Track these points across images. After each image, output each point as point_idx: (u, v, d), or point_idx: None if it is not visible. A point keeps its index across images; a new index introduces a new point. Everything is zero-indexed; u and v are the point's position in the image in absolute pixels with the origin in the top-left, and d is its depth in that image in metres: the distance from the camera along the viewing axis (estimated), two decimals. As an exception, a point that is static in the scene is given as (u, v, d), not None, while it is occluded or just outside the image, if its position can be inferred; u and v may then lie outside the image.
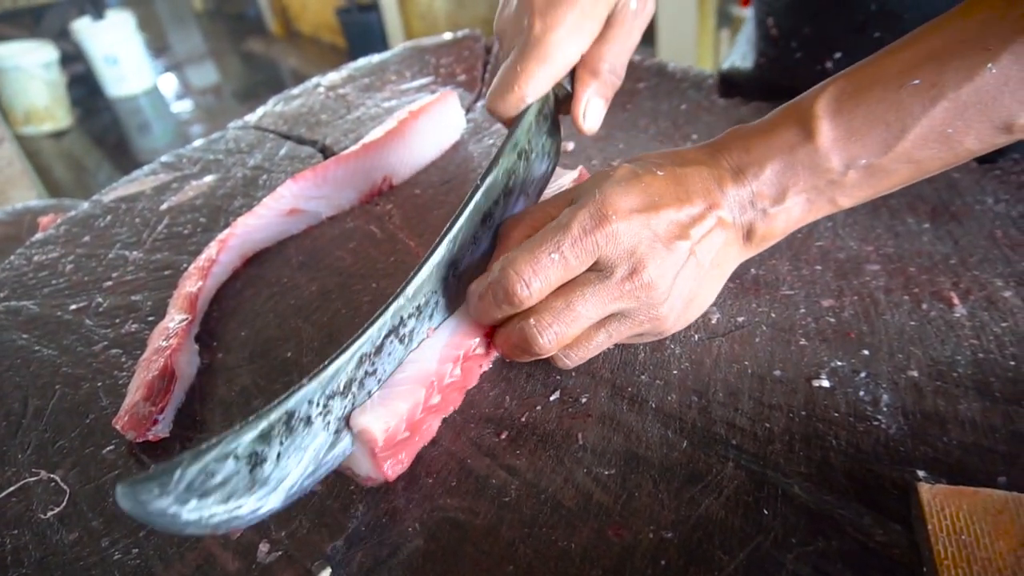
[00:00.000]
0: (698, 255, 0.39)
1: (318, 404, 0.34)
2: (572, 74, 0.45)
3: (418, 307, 0.39)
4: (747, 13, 0.78)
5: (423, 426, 0.39)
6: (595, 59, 0.45)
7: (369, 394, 0.37)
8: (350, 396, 0.36)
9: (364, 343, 0.36)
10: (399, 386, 0.38)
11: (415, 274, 0.39)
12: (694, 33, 2.03)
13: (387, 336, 0.37)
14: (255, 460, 0.31)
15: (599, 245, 0.37)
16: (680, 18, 2.02)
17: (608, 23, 0.44)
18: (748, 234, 0.41)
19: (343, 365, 0.35)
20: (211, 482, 0.29)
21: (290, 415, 0.32)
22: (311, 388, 0.33)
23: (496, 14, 0.47)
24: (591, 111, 0.46)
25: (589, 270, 0.38)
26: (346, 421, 0.36)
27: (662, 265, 0.38)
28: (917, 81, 0.35)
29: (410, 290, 0.38)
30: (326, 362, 0.34)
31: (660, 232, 0.38)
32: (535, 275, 0.37)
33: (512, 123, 0.44)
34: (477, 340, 0.41)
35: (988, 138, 0.36)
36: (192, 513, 0.28)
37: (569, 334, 0.38)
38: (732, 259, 0.41)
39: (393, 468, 0.37)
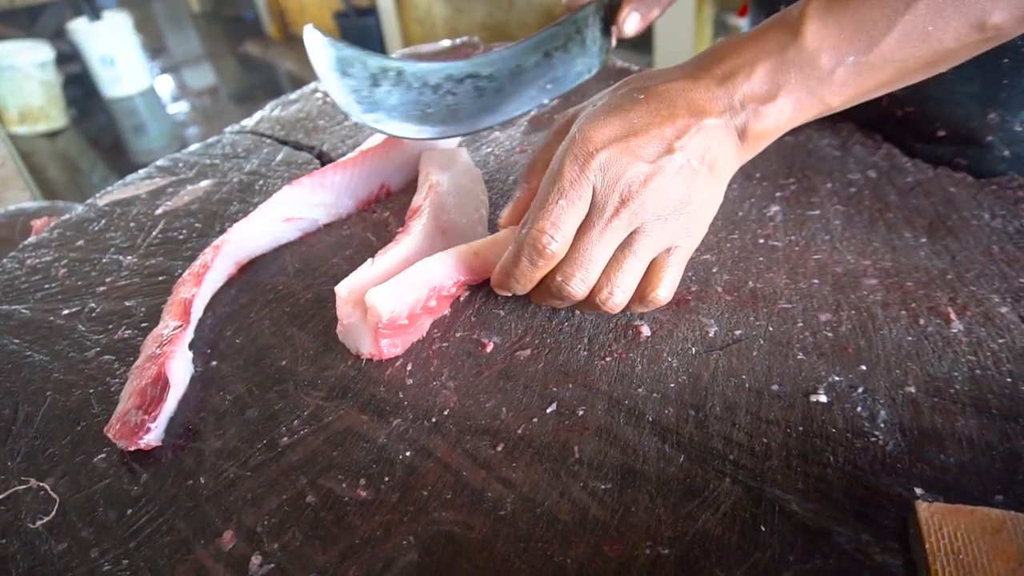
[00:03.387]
0: (691, 162, 0.41)
1: (419, 80, 0.52)
2: None
3: (489, 75, 0.54)
4: (742, 23, 0.78)
5: (418, 321, 0.46)
6: None
7: None
8: (440, 99, 0.53)
9: (451, 68, 0.53)
10: (411, 282, 0.45)
11: (493, 53, 0.54)
12: (691, 42, 2.04)
13: (467, 77, 0.54)
14: (374, 80, 0.51)
15: (591, 180, 0.40)
16: (677, 28, 2.03)
17: None
18: (742, 134, 0.42)
19: (436, 70, 0.53)
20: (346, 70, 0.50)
21: (400, 72, 0.52)
22: (416, 66, 0.52)
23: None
24: (628, 20, 0.54)
25: (590, 209, 0.41)
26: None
27: (651, 183, 0.40)
28: None
29: (487, 59, 0.54)
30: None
31: (644, 154, 0.40)
32: (554, 226, 0.41)
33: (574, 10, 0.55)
34: (464, 278, 0.48)
35: (964, 36, 0.39)
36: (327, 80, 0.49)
37: (593, 272, 0.42)
38: (729, 159, 0.42)
39: (389, 349, 0.45)
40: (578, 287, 0.42)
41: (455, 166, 0.60)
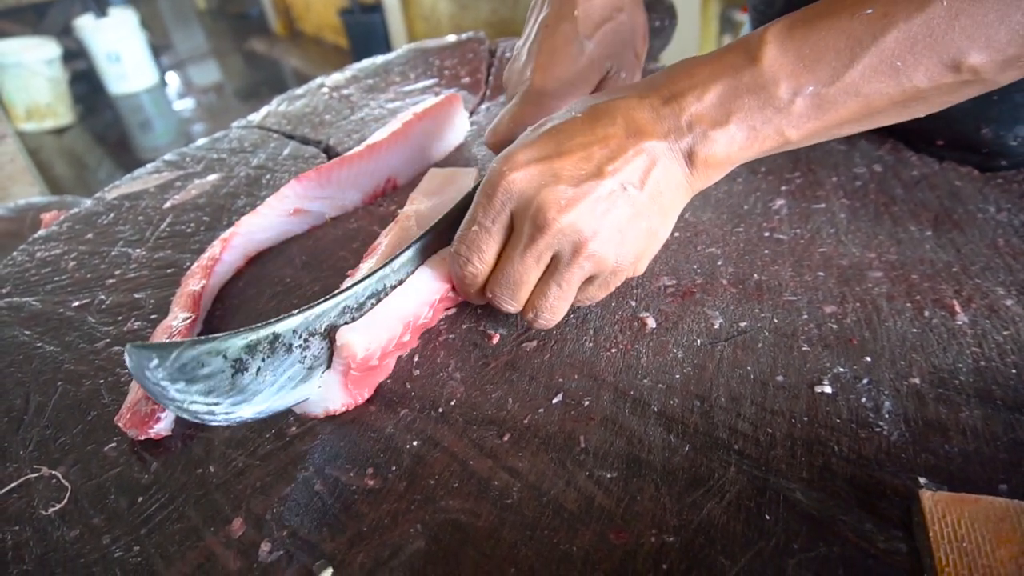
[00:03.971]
0: (627, 188, 0.38)
1: (300, 336, 0.39)
2: None
3: (400, 280, 0.44)
4: (747, 18, 0.78)
5: (386, 360, 0.43)
6: None
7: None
8: (327, 341, 0.40)
9: (349, 297, 0.41)
10: (382, 318, 0.42)
11: (403, 251, 0.44)
12: (697, 39, 2.04)
13: (369, 298, 0.42)
14: (238, 366, 0.36)
15: (503, 202, 0.39)
16: (683, 24, 2.02)
17: (598, 87, 0.51)
18: (690, 159, 0.39)
19: (327, 310, 0.40)
20: (199, 372, 0.35)
21: (275, 337, 0.38)
22: (297, 320, 0.38)
23: (507, 65, 0.54)
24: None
25: (513, 231, 0.40)
26: (328, 347, 0.40)
27: (573, 209, 0.38)
28: (870, 11, 0.35)
29: (396, 264, 0.44)
30: (313, 303, 0.39)
31: (565, 175, 0.38)
32: (470, 251, 0.41)
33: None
34: (448, 286, 0.46)
35: (937, 76, 0.36)
36: (177, 393, 0.34)
37: (521, 293, 0.41)
38: (676, 187, 0.40)
39: (355, 397, 0.42)
40: (507, 306, 0.42)
41: (452, 188, 0.56)
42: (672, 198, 0.40)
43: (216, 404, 0.36)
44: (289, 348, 0.38)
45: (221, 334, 0.36)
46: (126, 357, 0.32)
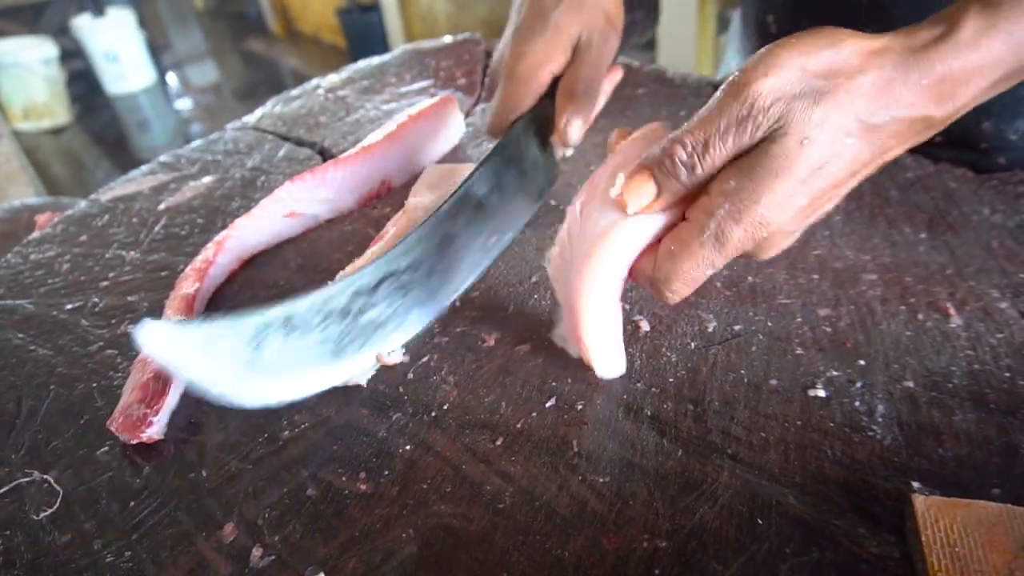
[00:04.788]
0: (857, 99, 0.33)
1: (319, 315, 0.39)
2: (552, 102, 0.50)
3: (410, 264, 0.43)
4: (737, 14, 0.78)
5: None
6: (569, 83, 0.50)
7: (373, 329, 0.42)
8: (353, 322, 0.40)
9: (363, 276, 0.40)
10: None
11: (412, 232, 0.43)
12: (694, 38, 2.03)
13: (382, 280, 0.41)
14: (256, 343, 0.36)
15: (747, 112, 0.33)
16: (680, 24, 2.02)
17: (576, 52, 0.50)
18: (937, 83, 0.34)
19: (339, 291, 0.39)
20: (215, 348, 0.35)
21: (288, 319, 0.37)
22: (310, 301, 0.38)
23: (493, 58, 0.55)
24: (570, 128, 0.49)
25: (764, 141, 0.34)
26: (353, 326, 0.40)
27: (810, 117, 0.33)
28: None
29: (409, 242, 0.42)
30: (327, 283, 0.40)
31: (804, 88, 0.33)
32: (701, 132, 0.34)
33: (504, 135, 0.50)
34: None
35: None
36: (192, 370, 0.34)
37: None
38: (907, 105, 0.34)
39: None
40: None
41: (453, 181, 0.55)
42: (900, 115, 0.35)
43: (233, 382, 0.36)
44: (306, 328, 0.38)
45: (238, 312, 0.36)
46: (138, 333, 0.32)
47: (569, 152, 0.62)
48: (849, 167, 0.34)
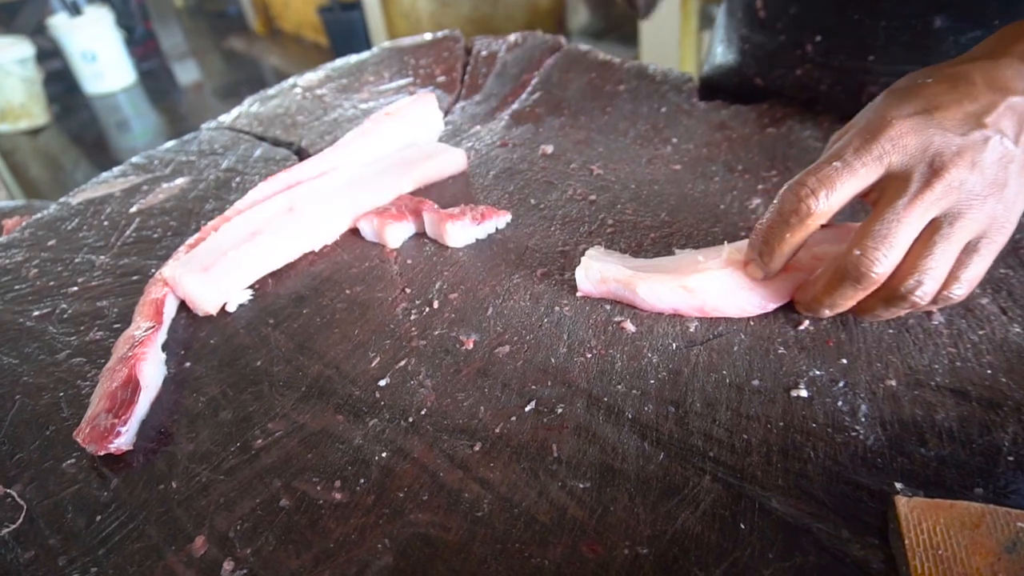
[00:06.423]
0: (1003, 141, 0.36)
1: None
2: None
3: None
4: (721, 9, 0.78)
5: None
6: None
7: None
8: None
9: None
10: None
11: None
12: (677, 34, 2.03)
13: None
14: None
15: (885, 151, 0.36)
16: (663, 20, 2.02)
17: None
18: None
19: None
20: None
21: None
22: None
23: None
24: None
25: (893, 180, 0.37)
26: None
27: (966, 156, 0.35)
28: None
29: None
30: None
31: (950, 126, 0.36)
32: (821, 184, 0.37)
33: None
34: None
35: None
36: None
37: (896, 250, 0.36)
38: None
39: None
40: (879, 264, 0.36)
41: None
42: None
43: None
44: None
45: None
46: None
47: (552, 148, 0.61)
48: None
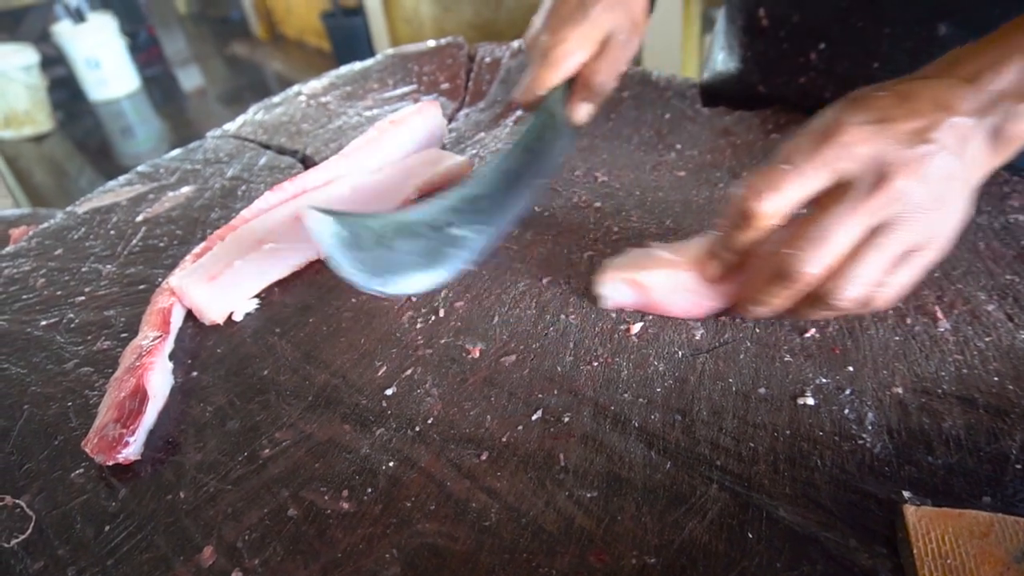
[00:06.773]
0: (945, 158, 0.36)
1: (422, 225, 0.47)
2: (572, 82, 0.55)
3: (482, 192, 0.51)
4: (721, 12, 0.78)
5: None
6: (588, 73, 0.54)
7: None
8: (442, 233, 0.48)
9: (447, 200, 0.49)
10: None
11: (483, 169, 0.52)
12: (679, 39, 2.03)
13: (464, 202, 0.50)
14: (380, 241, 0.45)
15: (836, 156, 0.37)
16: (665, 24, 2.02)
17: (602, 46, 0.54)
18: (995, 137, 0.38)
19: (437, 209, 0.48)
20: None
21: (404, 224, 0.47)
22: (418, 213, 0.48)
23: (526, 31, 0.58)
24: (581, 109, 0.55)
25: (834, 188, 0.37)
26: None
27: (913, 168, 0.36)
28: None
29: (477, 179, 0.51)
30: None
31: (901, 138, 0.36)
32: (767, 186, 0.37)
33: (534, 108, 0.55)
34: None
35: None
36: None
37: (829, 253, 0.37)
38: (977, 164, 0.39)
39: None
40: (809, 264, 0.37)
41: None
42: (974, 175, 0.39)
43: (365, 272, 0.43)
44: (414, 235, 0.46)
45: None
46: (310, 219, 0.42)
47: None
48: None
